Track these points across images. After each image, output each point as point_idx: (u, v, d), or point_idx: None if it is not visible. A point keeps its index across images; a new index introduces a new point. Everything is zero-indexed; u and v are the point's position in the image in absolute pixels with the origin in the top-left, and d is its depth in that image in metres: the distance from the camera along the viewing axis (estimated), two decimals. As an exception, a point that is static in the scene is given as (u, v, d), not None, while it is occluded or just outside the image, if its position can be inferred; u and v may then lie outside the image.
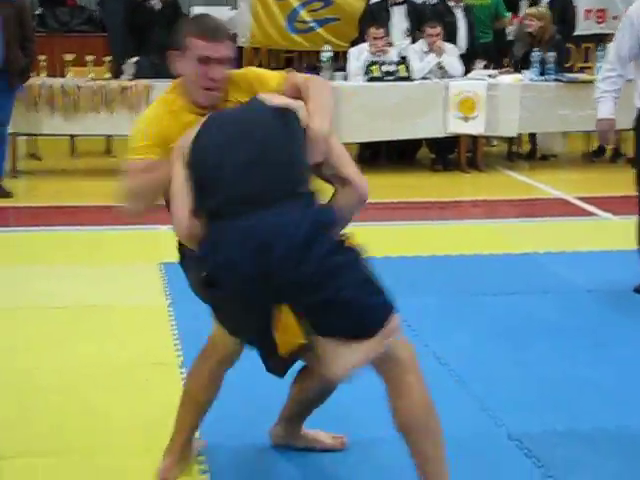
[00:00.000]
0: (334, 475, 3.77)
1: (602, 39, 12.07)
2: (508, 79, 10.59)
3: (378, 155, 11.03)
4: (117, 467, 3.77)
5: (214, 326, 3.46)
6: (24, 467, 3.78)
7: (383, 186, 9.52)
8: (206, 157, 3.22)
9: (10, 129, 9.24)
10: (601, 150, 11.56)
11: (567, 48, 11.89)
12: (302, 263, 3.02)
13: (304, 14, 12.95)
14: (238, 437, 3.99)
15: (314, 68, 11.22)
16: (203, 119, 3.32)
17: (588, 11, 13.58)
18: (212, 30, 3.44)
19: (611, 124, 5.96)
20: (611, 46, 6.01)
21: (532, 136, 11.51)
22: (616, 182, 10.15)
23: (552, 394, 4.53)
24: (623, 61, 5.84)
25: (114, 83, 9.95)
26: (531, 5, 12.06)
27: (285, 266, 3.04)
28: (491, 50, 11.71)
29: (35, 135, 10.60)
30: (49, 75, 10.15)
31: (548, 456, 3.87)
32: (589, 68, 11.61)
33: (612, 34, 11.56)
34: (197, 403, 3.63)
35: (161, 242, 7.21)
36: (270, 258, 3.03)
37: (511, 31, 12.40)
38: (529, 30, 10.90)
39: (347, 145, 11.14)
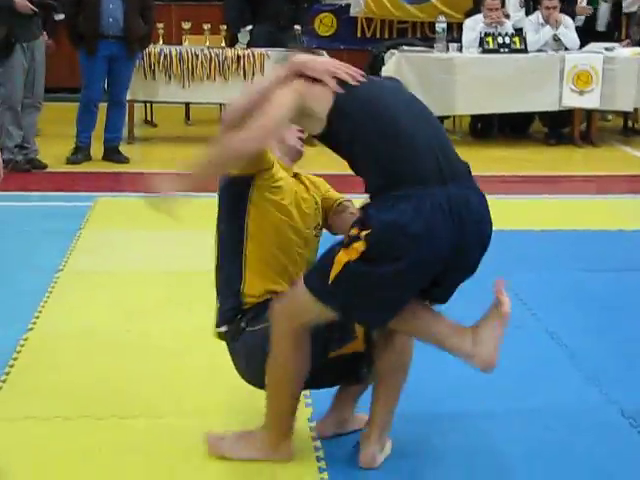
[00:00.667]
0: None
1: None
2: (626, 52, 10.38)
3: (490, 127, 10.91)
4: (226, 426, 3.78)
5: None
6: (147, 426, 3.83)
7: (495, 159, 9.51)
8: (394, 119, 3.21)
9: (128, 96, 9.36)
10: None
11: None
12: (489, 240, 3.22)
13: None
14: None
15: (427, 39, 11.14)
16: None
17: None
18: None
19: None
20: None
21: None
22: None
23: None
24: None
25: (229, 51, 10.00)
26: None
27: (482, 242, 3.22)
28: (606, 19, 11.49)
29: (151, 102, 10.73)
30: (166, 43, 10.23)
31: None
32: None
33: None
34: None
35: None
36: (477, 231, 3.17)
37: (629, 3, 12.14)
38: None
39: (460, 117, 11.15)
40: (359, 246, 3.07)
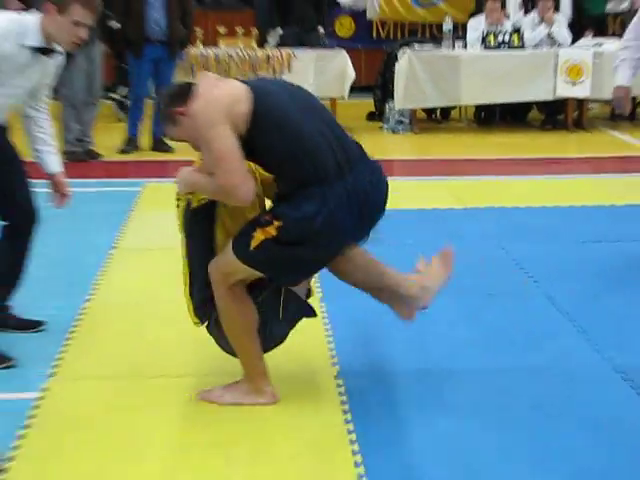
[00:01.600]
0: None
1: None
2: (613, 47, 10.24)
3: (493, 116, 10.82)
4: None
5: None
6: (192, 384, 3.82)
7: (498, 144, 9.46)
8: (298, 127, 3.29)
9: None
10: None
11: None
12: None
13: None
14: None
15: (435, 38, 11.05)
16: (243, 86, 3.32)
17: None
18: None
19: (626, 91, 5.29)
20: (637, 16, 5.29)
21: (633, 99, 11.13)
22: None
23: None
24: None
25: (260, 52, 9.96)
26: None
27: (380, 214, 3.48)
28: (602, 20, 11.31)
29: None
30: (204, 46, 10.18)
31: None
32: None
33: None
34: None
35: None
36: (374, 216, 3.46)
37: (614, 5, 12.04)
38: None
39: (465, 107, 11.09)
40: (272, 230, 3.29)
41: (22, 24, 3.82)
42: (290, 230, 3.28)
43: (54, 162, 4.22)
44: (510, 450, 3.24)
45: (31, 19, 3.84)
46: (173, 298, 4.78)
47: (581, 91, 10.03)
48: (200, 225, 3.54)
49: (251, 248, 3.31)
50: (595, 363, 4.01)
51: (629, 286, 5.04)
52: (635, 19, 5.26)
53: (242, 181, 3.24)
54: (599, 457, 3.21)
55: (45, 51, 3.86)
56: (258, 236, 3.30)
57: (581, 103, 10.42)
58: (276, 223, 3.28)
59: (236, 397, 3.59)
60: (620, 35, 11.07)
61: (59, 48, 3.93)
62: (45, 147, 4.18)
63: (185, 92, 3.35)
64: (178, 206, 3.59)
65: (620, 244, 5.77)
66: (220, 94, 3.27)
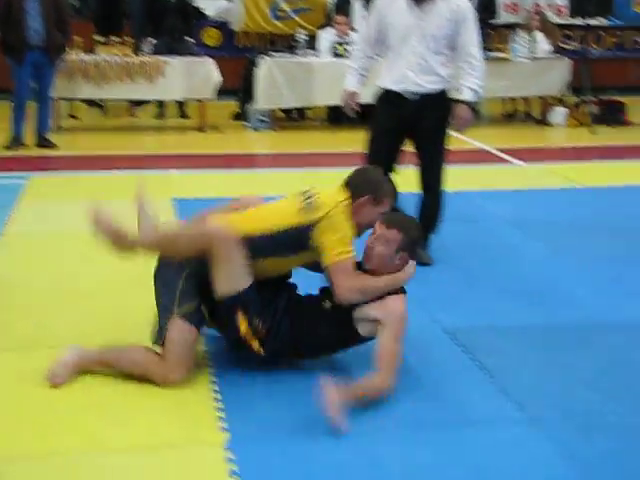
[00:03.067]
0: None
1: (514, 26, 11.91)
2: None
3: (341, 115, 10.85)
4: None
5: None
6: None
7: (347, 140, 9.46)
8: None
9: (54, 95, 9.07)
10: (513, 113, 11.55)
11: (487, 33, 11.80)
12: None
13: (284, 5, 12.82)
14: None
15: (291, 47, 11.05)
16: None
17: (507, 5, 13.48)
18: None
19: (352, 95, 5.04)
20: (361, 30, 5.18)
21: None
22: (525, 137, 10.19)
23: (478, 296, 4.52)
24: (367, 43, 4.99)
25: (135, 59, 9.75)
26: None
27: None
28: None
29: (74, 99, 10.38)
30: (84, 53, 9.92)
31: (474, 345, 3.86)
32: (504, 50, 11.42)
33: (520, 23, 11.56)
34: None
35: (172, 182, 7.18)
36: None
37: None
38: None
39: (318, 108, 11.07)
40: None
41: None
42: None
43: None
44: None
45: None
46: (59, 278, 4.72)
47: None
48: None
49: None
50: (427, 325, 4.08)
51: (458, 261, 5.15)
52: (361, 31, 5.10)
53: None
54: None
55: None
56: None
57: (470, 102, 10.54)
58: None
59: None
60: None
61: None
62: None
63: None
64: None
65: (450, 224, 5.87)
66: None
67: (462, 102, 4.89)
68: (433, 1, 4.75)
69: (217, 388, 3.38)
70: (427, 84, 4.84)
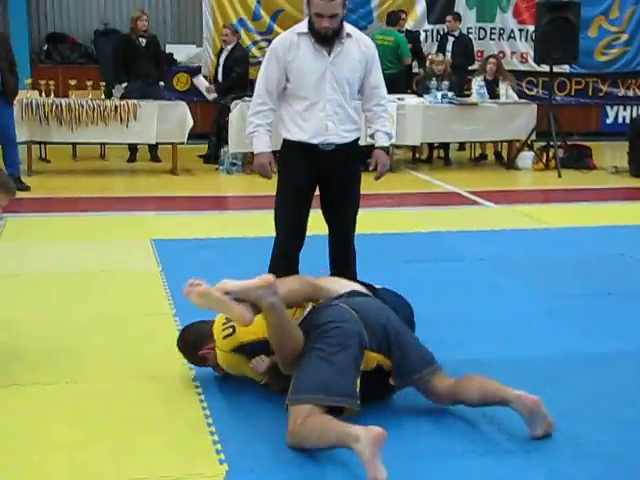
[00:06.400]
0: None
1: (472, 72, 12.22)
2: (413, 101, 10.71)
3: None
4: (130, 390, 3.79)
5: None
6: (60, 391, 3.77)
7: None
8: None
9: (26, 138, 9.14)
10: (483, 156, 11.78)
11: (465, 77, 12.14)
12: None
13: (254, 50, 13.00)
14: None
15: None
16: None
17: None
18: None
19: (269, 157, 4.59)
20: (259, 80, 4.51)
21: (430, 145, 11.65)
22: (495, 180, 10.39)
23: (455, 331, 4.59)
24: (272, 94, 4.48)
25: (108, 102, 9.85)
26: (439, 50, 12.46)
27: None
28: (398, 79, 11.67)
29: (46, 143, 10.44)
30: (57, 96, 10.00)
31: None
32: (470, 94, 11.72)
33: (477, 70, 11.87)
34: None
35: (150, 224, 7.25)
36: None
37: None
38: (435, 72, 11.21)
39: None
40: None
41: None
42: None
43: None
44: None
45: None
46: (60, 317, 4.78)
47: (387, 138, 10.37)
48: None
49: None
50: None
51: (437, 294, 5.27)
52: (260, 83, 4.52)
53: None
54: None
55: None
56: None
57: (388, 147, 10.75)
58: None
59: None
60: (413, 92, 11.62)
61: None
62: None
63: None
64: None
65: (426, 264, 6.03)
66: None
67: (380, 148, 4.68)
68: (341, 42, 4.38)
69: (211, 420, 3.44)
70: (346, 133, 4.51)
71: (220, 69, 11.08)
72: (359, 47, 4.44)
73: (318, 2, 4.23)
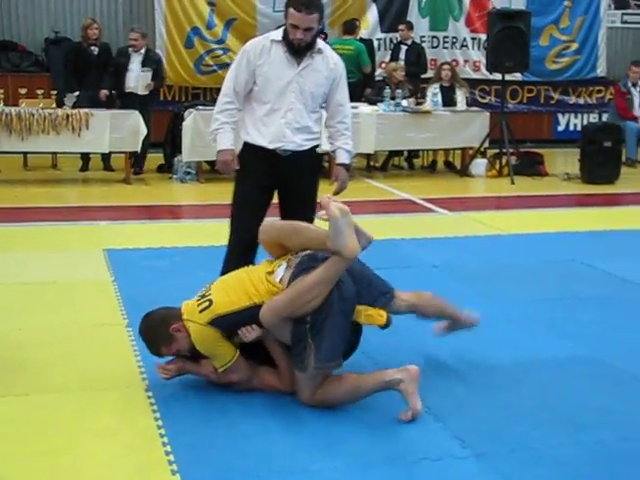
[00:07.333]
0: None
1: (426, 81, 12.33)
2: (367, 109, 10.76)
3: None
4: (82, 401, 3.75)
5: None
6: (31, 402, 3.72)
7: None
8: None
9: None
10: (434, 164, 11.87)
11: (418, 85, 12.21)
12: None
13: (208, 59, 13.02)
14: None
15: (214, 100, 11.18)
16: None
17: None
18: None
19: (232, 154, 4.65)
20: (228, 79, 4.63)
21: (390, 154, 11.72)
22: (449, 187, 10.48)
23: (414, 338, 4.61)
24: (239, 94, 4.57)
25: (60, 111, 9.74)
26: (392, 58, 12.54)
27: None
28: (357, 88, 11.70)
29: (-5, 152, 10.32)
30: (6, 105, 9.88)
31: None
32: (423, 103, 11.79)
33: (431, 78, 11.98)
34: None
35: (103, 233, 7.19)
36: None
37: (380, 74, 12.71)
38: (395, 80, 11.30)
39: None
40: None
41: None
42: None
43: None
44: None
45: None
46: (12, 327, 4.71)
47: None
48: None
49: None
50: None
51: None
52: (229, 83, 4.62)
53: None
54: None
55: None
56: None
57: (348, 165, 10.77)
58: None
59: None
60: (369, 101, 11.66)
61: None
62: None
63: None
64: None
65: (381, 271, 6.02)
66: None
67: (341, 165, 4.76)
68: (311, 56, 4.50)
69: (163, 431, 3.41)
70: (303, 142, 4.57)
71: (133, 75, 10.60)
72: (328, 64, 4.56)
73: (296, 14, 4.35)
